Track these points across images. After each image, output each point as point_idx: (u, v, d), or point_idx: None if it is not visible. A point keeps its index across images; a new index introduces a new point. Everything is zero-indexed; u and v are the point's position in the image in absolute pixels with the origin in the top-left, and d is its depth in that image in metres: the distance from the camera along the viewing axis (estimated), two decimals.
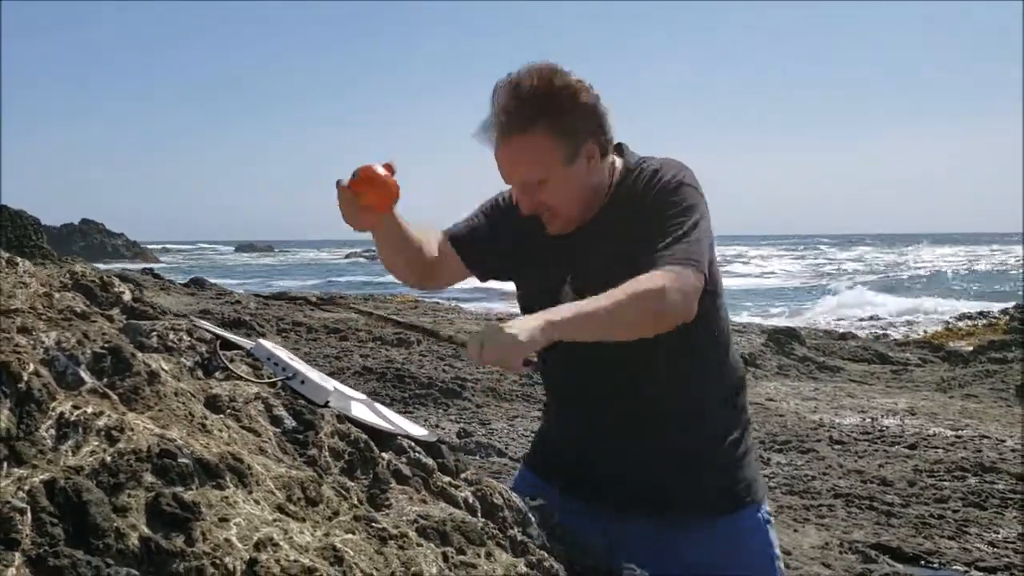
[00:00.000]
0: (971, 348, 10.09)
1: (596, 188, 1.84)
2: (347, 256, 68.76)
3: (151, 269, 15.80)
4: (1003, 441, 6.15)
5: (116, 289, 1.62)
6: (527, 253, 1.95)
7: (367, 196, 1.68)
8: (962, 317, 13.83)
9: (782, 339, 9.55)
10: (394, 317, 1.89)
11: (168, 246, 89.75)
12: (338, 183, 1.69)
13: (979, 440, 6.16)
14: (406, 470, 1.43)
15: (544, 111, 1.73)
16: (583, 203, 1.83)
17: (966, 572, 4.22)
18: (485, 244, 1.98)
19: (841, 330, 13.11)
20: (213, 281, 16.64)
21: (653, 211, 1.74)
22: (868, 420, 6.86)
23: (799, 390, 8.05)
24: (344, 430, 1.41)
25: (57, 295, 1.53)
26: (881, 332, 12.69)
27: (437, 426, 6.63)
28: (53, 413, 1.15)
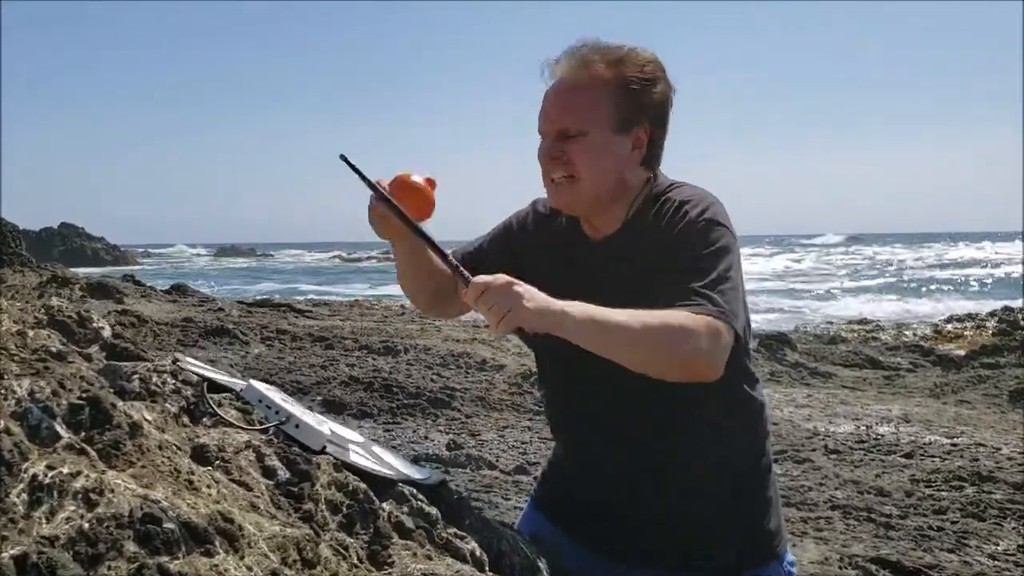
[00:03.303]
0: (962, 352, 10.07)
1: (624, 186, 1.71)
2: (332, 257, 68.44)
3: (132, 275, 15.57)
4: (999, 449, 6.09)
5: (94, 325, 1.51)
6: (535, 274, 1.82)
7: (401, 201, 1.62)
8: (951, 319, 13.85)
9: (774, 345, 9.47)
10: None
11: (149, 249, 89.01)
12: (376, 183, 1.63)
13: (975, 448, 6.10)
14: (408, 522, 1.33)
15: (621, 66, 1.66)
16: (603, 189, 1.69)
17: None
18: (488, 265, 1.87)
19: (831, 333, 13.07)
20: (195, 287, 16.46)
21: (681, 247, 1.59)
22: (863, 428, 6.79)
23: (792, 397, 7.97)
24: (341, 479, 1.31)
25: (31, 333, 1.42)
26: (869, 335, 12.66)
27: (426, 438, 6.52)
28: (25, 475, 1.04)
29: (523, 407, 7.33)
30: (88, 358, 1.45)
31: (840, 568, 4.28)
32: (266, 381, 7.23)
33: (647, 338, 1.46)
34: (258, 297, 17.27)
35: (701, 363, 1.48)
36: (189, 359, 1.55)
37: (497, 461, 5.87)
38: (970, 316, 13.81)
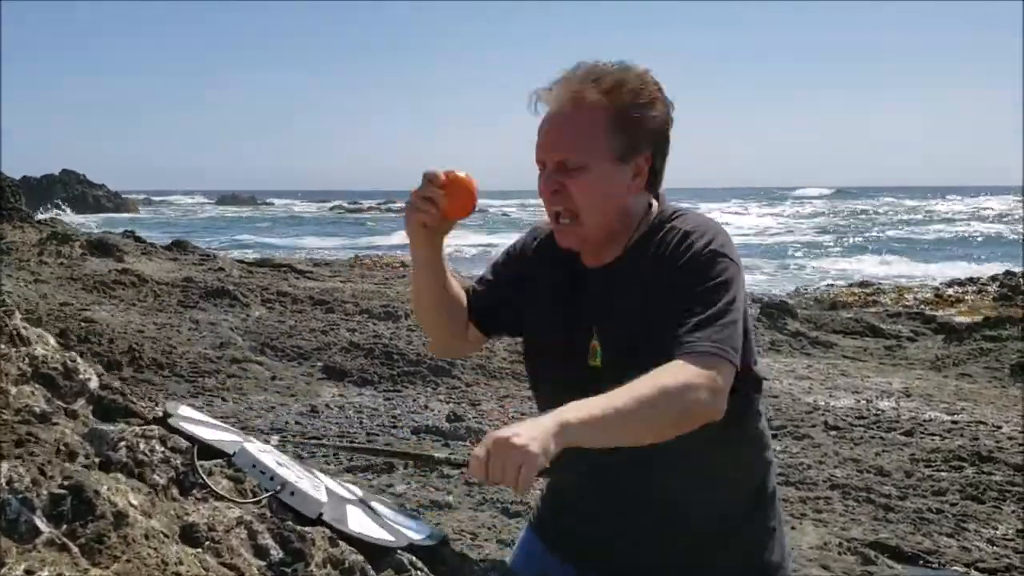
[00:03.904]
0: (964, 319, 10.03)
1: (627, 215, 1.66)
2: (332, 208, 68.09)
3: (132, 232, 15.47)
4: (999, 427, 6.07)
5: (81, 376, 1.45)
6: (537, 303, 1.78)
7: (450, 196, 1.61)
8: (952, 283, 13.80)
9: (775, 313, 9.41)
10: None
11: (150, 197, 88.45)
12: (427, 174, 1.61)
13: (975, 427, 6.08)
14: None
15: (617, 93, 1.58)
16: (608, 223, 1.64)
17: (966, 573, 4.15)
18: (500, 298, 1.83)
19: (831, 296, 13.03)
20: (194, 241, 16.38)
21: (682, 281, 1.55)
22: (863, 402, 6.77)
23: (792, 368, 7.95)
24: (337, 556, 1.27)
25: (14, 391, 1.37)
26: (870, 299, 12.61)
27: (427, 407, 6.51)
28: None
29: (523, 376, 7.28)
30: (74, 415, 1.39)
31: (839, 553, 4.28)
32: (267, 345, 7.13)
33: (645, 415, 1.42)
34: (253, 256, 17.18)
35: (705, 412, 1.46)
36: (181, 407, 1.49)
37: None
38: (971, 280, 13.75)
